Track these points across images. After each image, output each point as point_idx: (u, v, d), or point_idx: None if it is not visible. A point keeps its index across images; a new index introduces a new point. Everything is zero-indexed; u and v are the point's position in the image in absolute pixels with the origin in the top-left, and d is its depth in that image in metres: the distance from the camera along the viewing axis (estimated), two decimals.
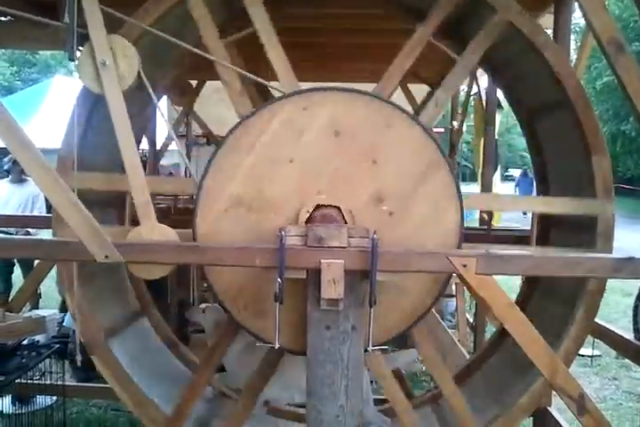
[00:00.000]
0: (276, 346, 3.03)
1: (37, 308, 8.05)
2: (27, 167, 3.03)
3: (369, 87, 3.37)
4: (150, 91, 3.13)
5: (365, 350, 3.06)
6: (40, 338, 5.32)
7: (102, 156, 3.65)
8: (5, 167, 8.62)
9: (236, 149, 3.23)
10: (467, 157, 23.72)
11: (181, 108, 8.42)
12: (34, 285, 6.20)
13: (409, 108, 7.17)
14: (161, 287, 5.90)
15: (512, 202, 3.86)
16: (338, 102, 3.21)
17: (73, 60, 3.05)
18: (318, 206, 3.15)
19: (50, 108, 16.80)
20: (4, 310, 4.51)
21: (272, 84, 3.43)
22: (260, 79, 3.37)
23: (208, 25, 3.33)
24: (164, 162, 12.02)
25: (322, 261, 2.85)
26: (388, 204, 3.21)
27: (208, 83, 8.16)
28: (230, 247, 2.98)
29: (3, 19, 4.64)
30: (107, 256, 3.02)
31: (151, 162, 8.97)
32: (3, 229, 7.23)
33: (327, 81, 6.45)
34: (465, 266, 2.87)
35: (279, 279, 2.86)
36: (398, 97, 6.71)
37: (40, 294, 8.62)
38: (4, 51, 29.83)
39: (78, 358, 3.61)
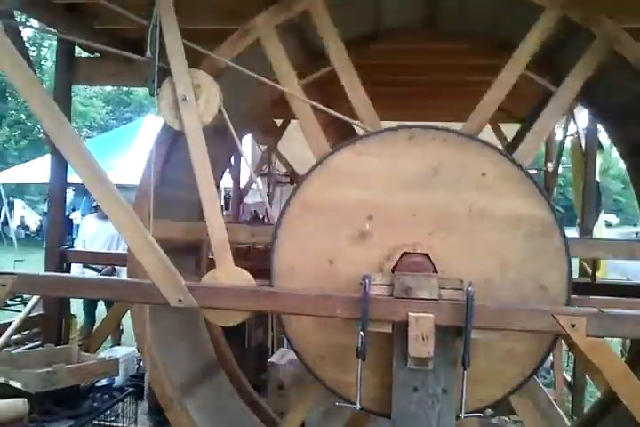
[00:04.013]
0: (358, 407, 2.74)
1: (119, 344, 8.05)
2: (101, 203, 2.94)
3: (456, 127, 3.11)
4: (231, 128, 2.99)
5: (457, 417, 2.72)
6: (119, 375, 5.26)
7: (181, 192, 3.53)
8: (94, 203, 8.79)
9: (317, 188, 3.03)
10: (559, 200, 22.83)
11: (265, 146, 8.38)
12: (114, 321, 6.17)
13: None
14: (238, 328, 5.72)
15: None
16: (436, 142, 2.96)
17: (154, 95, 2.96)
18: (406, 253, 2.87)
19: (141, 146, 17.32)
20: (79, 350, 4.42)
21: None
22: (338, 114, 3.15)
23: (282, 61, 3.17)
24: (248, 200, 12.07)
25: (410, 314, 2.59)
26: (486, 255, 2.90)
27: (292, 121, 8.10)
28: (309, 295, 2.75)
29: (91, 55, 4.71)
30: (180, 300, 2.86)
31: (235, 200, 8.99)
32: (89, 265, 7.30)
33: (414, 119, 6.27)
34: (574, 326, 2.52)
35: (362, 333, 2.60)
36: (487, 135, 6.40)
37: (122, 329, 8.63)
38: (101, 90, 31.48)
39: (147, 402, 3.47)
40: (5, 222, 22.71)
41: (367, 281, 2.63)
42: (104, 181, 2.88)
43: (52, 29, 4.29)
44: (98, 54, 4.76)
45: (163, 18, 2.93)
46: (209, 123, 2.97)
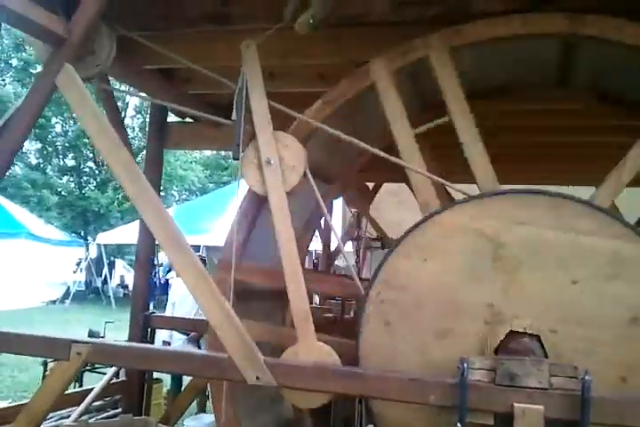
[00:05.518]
0: None
1: (205, 410, 7.87)
2: (180, 270, 2.80)
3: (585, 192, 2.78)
4: (316, 191, 2.82)
5: None
6: None
7: (266, 258, 3.38)
8: None
9: (415, 253, 2.76)
10: None
11: (356, 210, 8.23)
12: (199, 387, 5.99)
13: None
14: None
15: None
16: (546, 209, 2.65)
17: (237, 159, 2.85)
18: (512, 333, 2.54)
19: (236, 209, 17.62)
20: (157, 422, 4.23)
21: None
22: (447, 182, 2.89)
23: (399, 119, 2.94)
24: (339, 263, 11.87)
25: (515, 404, 2.28)
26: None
27: (384, 185, 7.93)
28: (399, 378, 2.47)
29: (182, 120, 4.75)
30: (258, 378, 2.64)
31: (324, 264, 8.82)
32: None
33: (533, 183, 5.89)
34: None
35: (459, 424, 2.28)
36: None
37: (208, 395, 8.46)
38: (200, 155, 32.75)
39: None
40: (105, 282, 23.56)
41: (465, 365, 2.33)
42: (183, 248, 2.75)
43: (144, 94, 4.35)
44: (189, 119, 4.79)
45: (249, 80, 2.86)
46: (294, 187, 2.82)
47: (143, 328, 4.82)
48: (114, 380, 4.84)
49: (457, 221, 2.72)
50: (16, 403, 4.12)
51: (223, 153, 31.47)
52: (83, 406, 4.31)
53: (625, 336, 2.47)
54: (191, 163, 31.64)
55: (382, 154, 2.89)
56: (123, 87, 5.97)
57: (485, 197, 2.74)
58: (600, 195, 2.68)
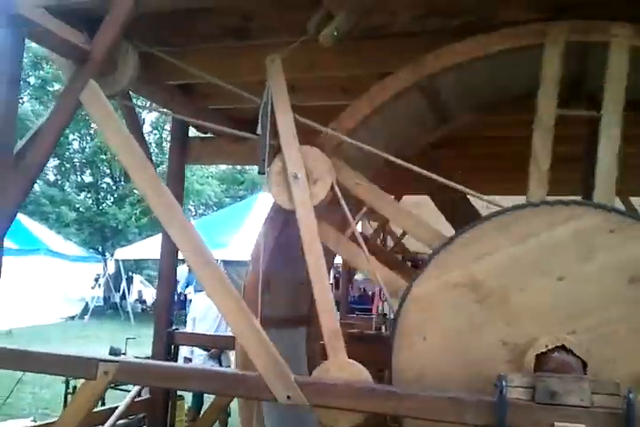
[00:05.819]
0: None
1: None
2: (207, 286, 2.76)
3: None
4: (344, 206, 2.77)
5: None
6: None
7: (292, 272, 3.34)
8: None
9: (413, 338, 2.68)
10: None
11: (376, 223, 8.19)
12: (222, 405, 5.93)
13: None
14: None
15: None
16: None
17: (263, 173, 2.81)
18: (539, 356, 2.46)
19: (253, 223, 17.67)
20: None
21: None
22: (477, 194, 2.85)
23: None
24: (357, 276, 11.82)
25: (556, 423, 2.19)
26: None
27: (404, 197, 7.88)
28: (435, 396, 2.39)
29: (204, 135, 4.73)
30: (289, 397, 2.58)
31: (345, 279, 8.79)
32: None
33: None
34: None
35: None
36: None
37: (229, 412, 8.38)
38: (216, 170, 32.81)
39: None
40: (124, 297, 23.61)
41: (503, 383, 2.25)
42: (209, 263, 2.71)
43: (165, 109, 4.34)
44: (211, 134, 4.77)
45: (274, 95, 2.82)
46: (321, 201, 2.78)
47: (167, 345, 4.78)
48: (138, 398, 4.79)
49: (430, 287, 2.66)
50: (42, 422, 4.08)
51: (239, 167, 31.60)
52: (107, 424, 4.27)
53: (634, 300, 2.42)
54: (207, 177, 31.68)
55: (405, 164, 2.86)
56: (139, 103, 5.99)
57: (438, 254, 2.67)
58: (532, 191, 2.65)
